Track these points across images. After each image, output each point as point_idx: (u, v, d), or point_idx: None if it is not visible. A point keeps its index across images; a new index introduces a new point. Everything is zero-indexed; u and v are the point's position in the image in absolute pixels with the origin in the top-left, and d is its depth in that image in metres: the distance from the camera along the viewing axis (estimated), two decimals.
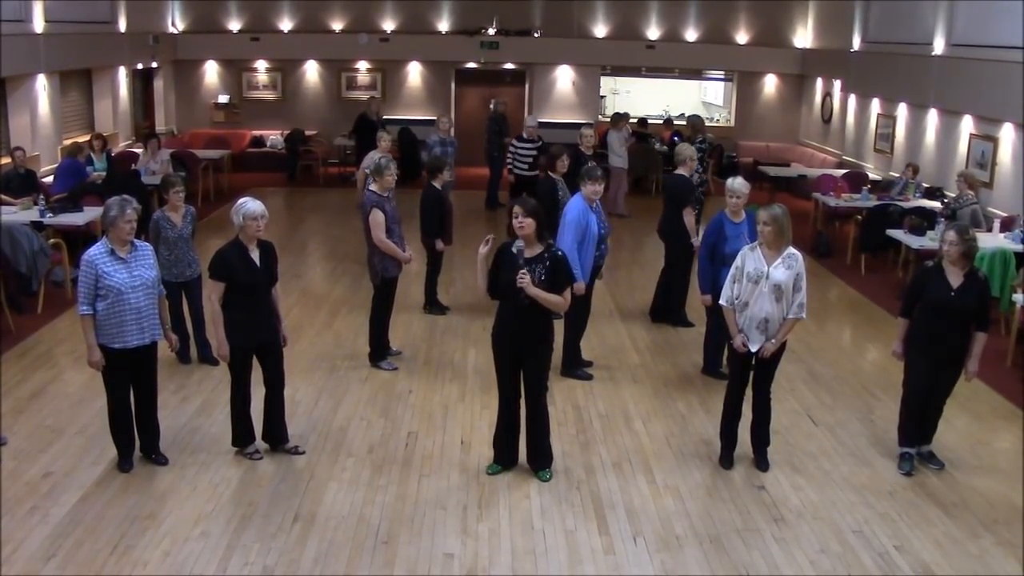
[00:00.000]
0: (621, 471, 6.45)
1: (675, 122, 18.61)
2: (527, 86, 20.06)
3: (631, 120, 16.96)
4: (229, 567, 5.18)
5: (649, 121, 18.96)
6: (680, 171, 9.47)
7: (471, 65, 19.67)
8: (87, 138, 14.25)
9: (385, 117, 17.61)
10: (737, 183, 7.82)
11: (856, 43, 16.84)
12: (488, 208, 15.48)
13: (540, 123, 19.34)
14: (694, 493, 6.18)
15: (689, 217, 9.30)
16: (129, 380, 6.17)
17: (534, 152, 13.30)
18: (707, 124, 19.86)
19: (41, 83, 13.71)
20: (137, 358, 6.09)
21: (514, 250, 5.91)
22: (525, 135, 13.45)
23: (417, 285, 10.13)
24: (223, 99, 19.62)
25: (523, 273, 5.81)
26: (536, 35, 19.38)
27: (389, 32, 19.37)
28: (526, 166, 13.31)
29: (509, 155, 13.55)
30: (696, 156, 9.52)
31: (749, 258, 6.27)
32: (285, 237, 13.10)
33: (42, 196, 10.94)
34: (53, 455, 6.42)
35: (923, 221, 11.22)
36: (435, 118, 14.30)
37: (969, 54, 12.90)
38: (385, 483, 6.17)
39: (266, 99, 19.79)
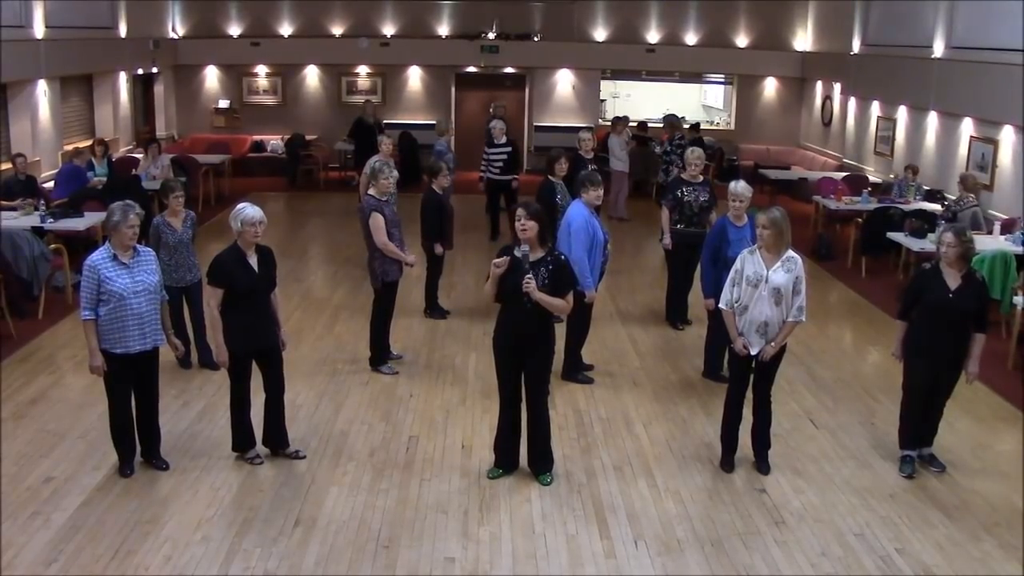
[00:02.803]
0: (622, 475, 6.45)
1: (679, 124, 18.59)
2: (527, 90, 20.08)
3: (631, 124, 16.97)
4: (230, 571, 5.18)
5: (649, 124, 18.97)
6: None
7: (471, 69, 19.70)
8: (88, 143, 14.30)
9: (385, 121, 17.67)
10: (740, 187, 7.80)
11: (856, 46, 16.85)
12: (488, 212, 15.46)
13: (540, 127, 19.69)
14: (695, 496, 6.18)
15: (664, 216, 9.41)
16: (131, 385, 6.17)
17: (505, 155, 13.30)
18: (709, 128, 20.06)
19: (42, 88, 13.74)
20: (139, 363, 6.09)
21: (518, 254, 5.91)
22: (495, 139, 13.44)
23: (418, 289, 10.14)
24: (223, 104, 19.64)
25: (529, 277, 5.82)
26: (536, 39, 19.39)
27: (389, 36, 19.39)
28: (498, 170, 13.32)
29: (483, 162, 13.51)
30: (695, 159, 9.40)
31: (748, 261, 6.27)
32: (286, 241, 13.11)
33: (43, 201, 10.96)
34: (54, 460, 6.43)
35: (924, 224, 11.22)
36: (434, 122, 14.29)
37: (969, 56, 12.90)
38: (386, 487, 6.17)
39: (266, 104, 19.81)
